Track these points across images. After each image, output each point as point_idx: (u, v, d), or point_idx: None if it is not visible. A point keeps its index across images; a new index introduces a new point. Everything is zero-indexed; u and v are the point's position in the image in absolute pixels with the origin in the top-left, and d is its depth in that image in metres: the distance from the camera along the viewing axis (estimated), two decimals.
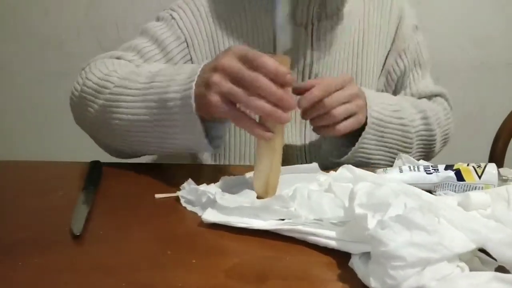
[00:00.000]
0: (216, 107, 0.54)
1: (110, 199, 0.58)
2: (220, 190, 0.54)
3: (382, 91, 0.87)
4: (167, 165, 0.74)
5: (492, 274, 0.36)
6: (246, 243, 0.47)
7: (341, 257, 0.43)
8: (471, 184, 0.59)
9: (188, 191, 0.56)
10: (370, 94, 0.71)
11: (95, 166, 0.67)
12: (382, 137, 0.72)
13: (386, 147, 0.74)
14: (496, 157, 1.01)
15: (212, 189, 0.54)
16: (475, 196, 0.50)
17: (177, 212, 0.55)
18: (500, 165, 0.85)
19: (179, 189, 0.57)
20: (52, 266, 0.42)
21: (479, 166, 0.60)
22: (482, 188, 0.59)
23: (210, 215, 0.50)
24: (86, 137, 0.77)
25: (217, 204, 0.51)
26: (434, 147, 0.82)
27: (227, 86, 0.53)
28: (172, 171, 0.69)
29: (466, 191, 0.59)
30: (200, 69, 0.57)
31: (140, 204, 0.57)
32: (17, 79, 1.66)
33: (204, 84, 0.55)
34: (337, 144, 0.74)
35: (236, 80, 0.52)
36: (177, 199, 0.56)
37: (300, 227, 0.47)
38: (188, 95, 0.56)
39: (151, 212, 0.55)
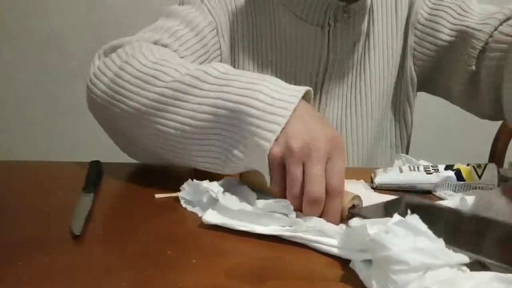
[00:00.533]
0: (273, 159, 0.48)
1: (110, 199, 0.58)
2: (222, 189, 0.53)
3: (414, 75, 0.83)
4: (167, 165, 0.74)
5: (493, 274, 0.36)
6: (246, 243, 0.47)
7: (341, 258, 0.43)
8: (471, 184, 0.59)
9: (188, 192, 0.55)
10: None
11: (95, 166, 0.67)
12: None
13: None
14: (496, 157, 1.01)
15: (214, 187, 0.53)
16: (471, 199, 0.50)
17: (177, 212, 0.55)
18: (500, 165, 0.85)
19: (179, 189, 0.57)
20: (52, 266, 0.42)
21: (479, 166, 0.60)
22: (482, 188, 0.59)
23: (211, 217, 0.50)
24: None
25: (218, 204, 0.51)
26: None
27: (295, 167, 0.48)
28: (172, 171, 0.69)
29: (466, 191, 0.59)
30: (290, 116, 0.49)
31: (140, 204, 0.57)
32: (17, 79, 1.67)
33: (284, 139, 0.48)
34: None
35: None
36: (177, 199, 0.56)
37: (300, 234, 0.46)
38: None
39: (151, 212, 0.55)
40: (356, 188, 0.56)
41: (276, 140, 0.48)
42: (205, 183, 0.54)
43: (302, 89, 0.51)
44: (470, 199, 0.50)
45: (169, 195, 0.58)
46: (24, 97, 1.66)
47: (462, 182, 0.60)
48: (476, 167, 0.60)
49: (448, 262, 0.36)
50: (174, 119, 0.55)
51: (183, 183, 0.56)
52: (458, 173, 0.60)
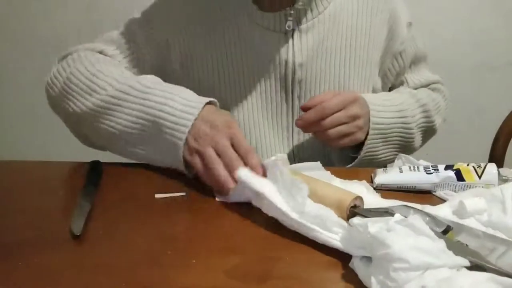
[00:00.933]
0: (190, 149, 0.61)
1: (110, 199, 0.58)
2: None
3: (380, 90, 0.87)
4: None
5: (490, 275, 0.36)
6: (246, 243, 0.47)
7: (341, 258, 0.43)
8: (471, 184, 0.59)
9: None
10: (371, 100, 0.74)
11: (95, 166, 0.67)
12: (386, 140, 0.76)
13: (390, 145, 0.77)
14: (496, 157, 1.01)
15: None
16: (470, 203, 0.49)
17: (177, 212, 0.55)
18: (500, 165, 0.85)
19: (179, 189, 0.57)
20: (52, 266, 0.42)
21: (479, 166, 0.60)
22: (482, 188, 0.59)
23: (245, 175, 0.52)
24: None
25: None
26: (434, 132, 0.88)
27: (207, 149, 0.59)
28: (173, 171, 0.69)
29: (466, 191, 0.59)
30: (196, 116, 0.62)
31: (140, 204, 0.57)
32: (17, 79, 1.67)
33: (194, 137, 0.61)
34: (343, 152, 0.78)
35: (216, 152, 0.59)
36: (177, 199, 0.56)
37: (304, 222, 0.46)
38: (180, 137, 0.61)
39: (151, 212, 0.55)
40: (358, 189, 0.56)
41: (187, 138, 0.61)
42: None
43: (205, 100, 0.64)
44: (468, 204, 0.50)
45: (169, 195, 0.58)
46: (24, 97, 1.66)
47: (462, 182, 0.60)
48: (476, 167, 0.60)
49: (448, 262, 0.36)
50: (107, 124, 0.68)
51: (183, 183, 0.56)
52: (458, 173, 0.60)
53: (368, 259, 0.40)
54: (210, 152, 0.59)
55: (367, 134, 0.74)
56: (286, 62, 0.77)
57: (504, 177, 0.60)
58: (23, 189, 0.63)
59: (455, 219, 0.48)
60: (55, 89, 0.75)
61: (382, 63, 0.84)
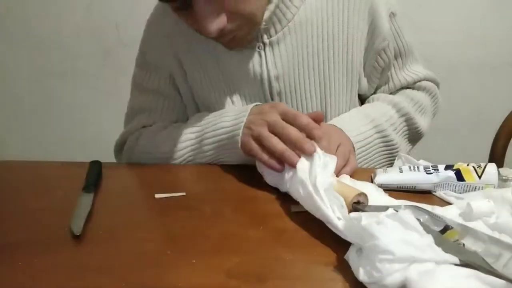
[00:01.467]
0: (245, 144, 0.63)
1: (110, 199, 0.58)
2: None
3: (366, 92, 0.85)
4: (167, 165, 0.74)
5: (472, 271, 0.36)
6: (246, 243, 0.47)
7: (341, 257, 0.43)
8: (471, 184, 0.59)
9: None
10: (344, 125, 0.73)
11: (95, 166, 0.67)
12: (369, 154, 0.75)
13: (374, 161, 0.77)
14: (496, 157, 1.01)
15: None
16: (477, 205, 0.49)
17: (177, 212, 0.55)
18: (500, 165, 0.85)
19: (179, 189, 0.57)
20: (52, 266, 0.42)
21: (479, 166, 0.60)
22: (482, 188, 0.59)
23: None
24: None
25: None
26: (421, 135, 0.85)
27: (261, 130, 0.62)
28: (172, 171, 0.69)
29: (466, 191, 0.59)
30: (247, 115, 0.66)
31: (140, 204, 0.57)
32: (17, 79, 1.67)
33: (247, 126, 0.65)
34: None
35: (273, 130, 0.61)
36: (177, 199, 0.56)
37: (316, 197, 0.48)
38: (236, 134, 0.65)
39: (151, 212, 0.55)
40: (367, 188, 0.57)
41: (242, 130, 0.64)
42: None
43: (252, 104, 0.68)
44: (475, 206, 0.50)
45: (169, 195, 0.58)
46: (24, 97, 1.66)
47: (462, 182, 0.59)
48: (476, 167, 0.60)
49: (434, 258, 0.37)
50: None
51: (183, 183, 0.56)
52: (458, 173, 0.60)
53: (361, 251, 0.41)
54: (264, 131, 0.61)
55: None
56: (261, 76, 0.76)
57: (504, 177, 0.60)
58: (23, 189, 0.63)
59: (461, 221, 0.48)
60: (123, 155, 0.82)
61: (365, 62, 0.80)
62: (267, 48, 0.75)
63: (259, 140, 0.62)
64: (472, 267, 0.37)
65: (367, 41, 0.79)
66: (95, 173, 0.64)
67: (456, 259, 0.38)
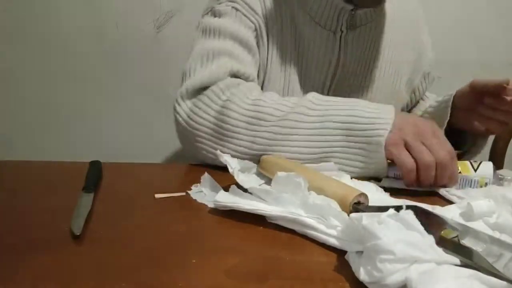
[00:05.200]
0: (394, 144, 0.60)
1: (110, 199, 0.58)
2: (239, 167, 0.58)
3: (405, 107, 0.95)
4: (167, 165, 0.74)
5: (473, 272, 0.36)
6: (246, 243, 0.47)
7: (341, 257, 0.43)
8: (467, 177, 0.60)
9: (204, 185, 0.59)
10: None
11: (95, 166, 0.67)
12: None
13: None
14: (496, 157, 1.01)
15: (233, 163, 0.57)
16: (478, 205, 0.49)
17: (177, 212, 0.55)
18: (500, 165, 0.85)
19: (179, 189, 0.57)
20: (52, 266, 0.42)
21: (475, 161, 0.62)
22: (477, 181, 0.59)
23: (222, 197, 0.52)
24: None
25: (232, 188, 0.53)
26: None
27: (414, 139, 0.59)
28: (173, 171, 0.69)
29: (462, 184, 0.60)
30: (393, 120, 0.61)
31: (140, 204, 0.57)
32: (18, 79, 1.67)
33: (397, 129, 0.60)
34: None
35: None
36: (177, 199, 0.56)
37: (303, 219, 0.47)
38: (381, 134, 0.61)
39: (151, 212, 0.55)
40: (367, 188, 0.57)
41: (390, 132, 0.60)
42: (226, 157, 0.59)
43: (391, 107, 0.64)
44: (476, 206, 0.50)
45: (169, 195, 0.58)
46: (24, 97, 1.66)
47: (458, 174, 0.60)
48: (472, 162, 0.62)
49: (436, 258, 0.37)
50: (286, 151, 0.64)
51: (183, 183, 0.56)
52: None
53: (362, 252, 0.41)
54: (421, 146, 0.58)
55: None
56: (331, 61, 0.81)
57: (500, 176, 0.61)
58: (23, 189, 0.63)
59: (462, 221, 0.48)
60: (204, 129, 0.70)
61: (414, 80, 0.90)
62: (343, 38, 0.80)
63: (408, 146, 0.59)
64: (473, 268, 0.37)
65: (414, 57, 0.90)
66: (95, 173, 0.64)
67: (457, 260, 0.38)
